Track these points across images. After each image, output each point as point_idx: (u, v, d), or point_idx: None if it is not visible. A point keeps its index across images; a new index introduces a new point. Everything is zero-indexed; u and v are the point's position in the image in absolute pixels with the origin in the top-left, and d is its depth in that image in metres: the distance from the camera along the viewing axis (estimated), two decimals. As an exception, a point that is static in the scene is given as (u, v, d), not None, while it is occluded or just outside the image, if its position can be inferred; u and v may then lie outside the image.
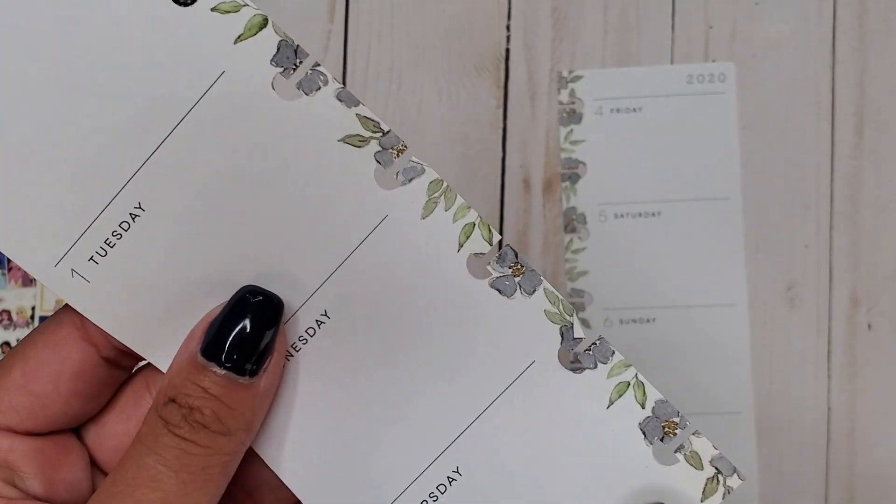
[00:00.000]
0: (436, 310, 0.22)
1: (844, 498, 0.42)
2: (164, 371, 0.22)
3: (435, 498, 0.22)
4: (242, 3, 0.20)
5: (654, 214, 0.42)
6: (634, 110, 0.43)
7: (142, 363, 0.23)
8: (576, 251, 0.42)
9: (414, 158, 0.21)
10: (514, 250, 0.22)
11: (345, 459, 0.22)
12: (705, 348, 0.42)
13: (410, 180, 0.21)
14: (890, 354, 0.42)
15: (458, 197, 0.21)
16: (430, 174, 0.21)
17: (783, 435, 0.42)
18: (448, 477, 0.22)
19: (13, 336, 0.41)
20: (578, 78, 0.43)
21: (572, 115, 0.43)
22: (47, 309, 0.41)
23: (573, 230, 0.43)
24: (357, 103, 0.20)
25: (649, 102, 0.43)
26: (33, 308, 0.41)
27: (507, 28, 0.43)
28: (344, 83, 0.44)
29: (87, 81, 0.20)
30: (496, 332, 0.22)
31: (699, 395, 0.41)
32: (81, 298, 0.21)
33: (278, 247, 0.21)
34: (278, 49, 0.20)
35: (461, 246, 0.21)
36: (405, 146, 0.21)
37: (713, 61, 0.43)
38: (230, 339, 0.20)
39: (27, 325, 0.41)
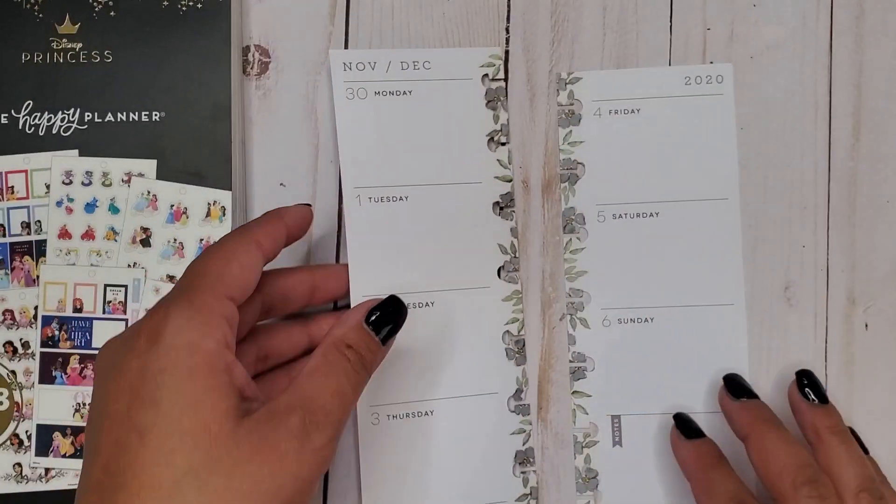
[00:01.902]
0: None
1: (842, 496, 0.42)
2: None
3: None
4: None
5: (652, 215, 0.42)
6: (633, 111, 0.43)
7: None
8: (575, 251, 0.43)
9: None
10: None
11: None
12: (703, 348, 0.42)
13: None
14: (887, 353, 0.43)
15: None
16: None
17: (781, 434, 0.42)
18: None
19: (16, 336, 0.41)
20: (577, 79, 0.43)
21: (571, 117, 0.43)
22: (49, 308, 0.41)
23: (572, 230, 0.43)
24: None
25: (647, 104, 0.43)
26: (35, 308, 0.41)
27: (507, 30, 0.44)
28: (344, 84, 0.44)
29: None
30: None
31: (698, 395, 0.42)
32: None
33: None
34: None
35: None
36: None
37: (711, 63, 0.43)
38: (379, 317, 0.36)
39: (30, 324, 0.41)
